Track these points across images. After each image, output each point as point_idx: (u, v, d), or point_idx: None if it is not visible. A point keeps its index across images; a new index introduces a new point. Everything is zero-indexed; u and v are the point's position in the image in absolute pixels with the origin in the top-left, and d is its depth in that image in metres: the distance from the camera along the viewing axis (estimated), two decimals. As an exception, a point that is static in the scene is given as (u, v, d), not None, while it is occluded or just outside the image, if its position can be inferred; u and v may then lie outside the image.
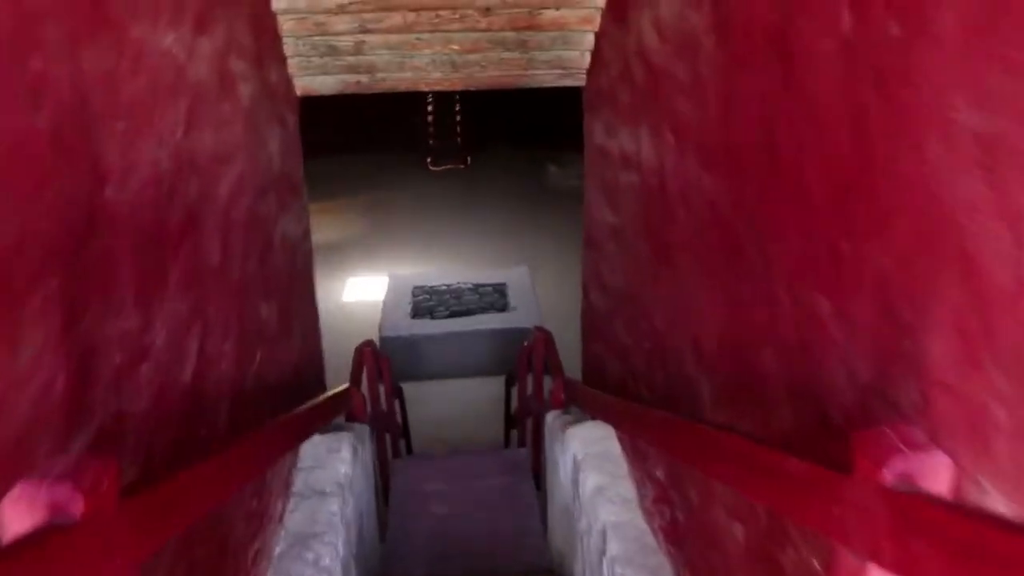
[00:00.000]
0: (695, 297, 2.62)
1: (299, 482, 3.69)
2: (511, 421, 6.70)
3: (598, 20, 3.96)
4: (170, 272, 2.21)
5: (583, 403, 4.27)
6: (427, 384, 8.06)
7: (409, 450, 6.81)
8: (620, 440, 3.85)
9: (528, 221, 12.39)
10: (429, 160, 15.50)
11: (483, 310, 9.27)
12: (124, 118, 1.91)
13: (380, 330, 8.30)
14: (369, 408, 5.16)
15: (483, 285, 9.40)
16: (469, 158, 15.63)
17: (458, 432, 7.38)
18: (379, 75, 4.12)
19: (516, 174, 14.71)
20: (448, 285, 9.39)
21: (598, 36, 4.04)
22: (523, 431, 6.16)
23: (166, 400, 2.15)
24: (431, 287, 9.34)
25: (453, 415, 7.69)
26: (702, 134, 2.48)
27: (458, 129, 15.75)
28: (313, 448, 3.88)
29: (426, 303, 9.26)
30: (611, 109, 3.83)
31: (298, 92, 4.10)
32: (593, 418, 4.08)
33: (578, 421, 4.27)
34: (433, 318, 9.04)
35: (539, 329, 5.67)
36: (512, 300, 8.94)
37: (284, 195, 3.72)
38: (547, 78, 4.34)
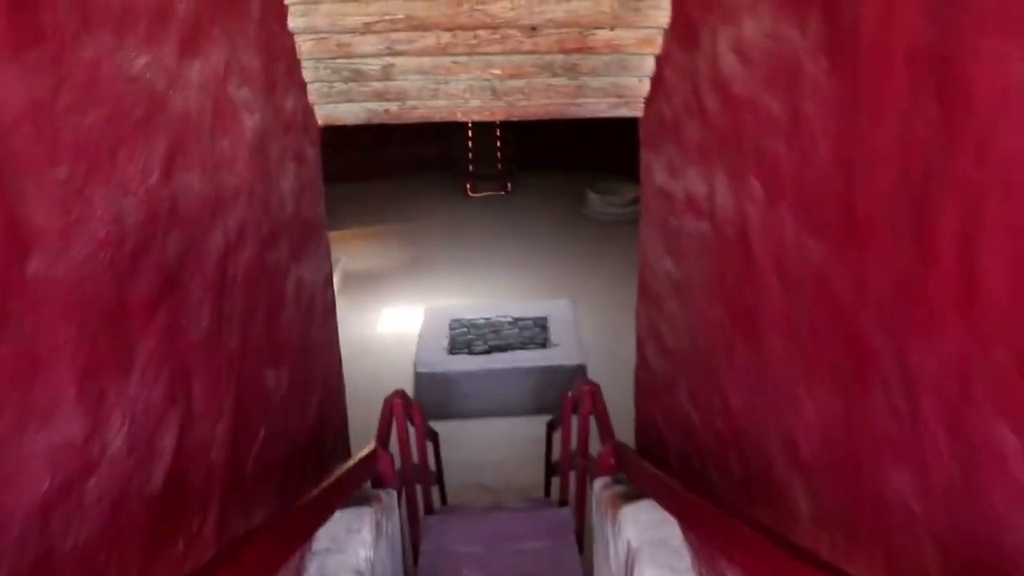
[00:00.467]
0: (789, 384, 2.12)
1: (312, 569, 3.20)
2: (552, 469, 6.22)
3: (660, 42, 3.50)
4: (136, 352, 1.78)
5: (635, 478, 3.74)
6: (463, 423, 7.66)
7: (444, 499, 6.34)
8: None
9: (569, 251, 11.96)
10: (468, 186, 15.07)
11: (523, 345, 8.87)
12: (67, 162, 1.49)
13: (415, 366, 7.94)
14: (399, 464, 4.69)
15: (523, 319, 9.00)
16: (510, 184, 15.16)
17: (496, 476, 6.96)
18: (410, 103, 3.70)
19: (556, 201, 14.27)
20: (487, 318, 9.00)
21: (660, 60, 3.57)
22: (565, 485, 5.67)
23: (125, 516, 1.71)
24: (469, 320, 8.96)
25: (491, 458, 7.27)
26: (805, 187, 1.98)
27: (498, 155, 15.28)
28: (330, 526, 3.40)
29: (463, 337, 8.87)
30: (675, 144, 3.35)
31: (319, 122, 3.68)
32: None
33: (631, 495, 3.74)
34: (471, 353, 8.62)
35: (585, 381, 5.16)
36: (553, 335, 8.52)
37: (299, 239, 3.28)
38: (599, 107, 3.88)
